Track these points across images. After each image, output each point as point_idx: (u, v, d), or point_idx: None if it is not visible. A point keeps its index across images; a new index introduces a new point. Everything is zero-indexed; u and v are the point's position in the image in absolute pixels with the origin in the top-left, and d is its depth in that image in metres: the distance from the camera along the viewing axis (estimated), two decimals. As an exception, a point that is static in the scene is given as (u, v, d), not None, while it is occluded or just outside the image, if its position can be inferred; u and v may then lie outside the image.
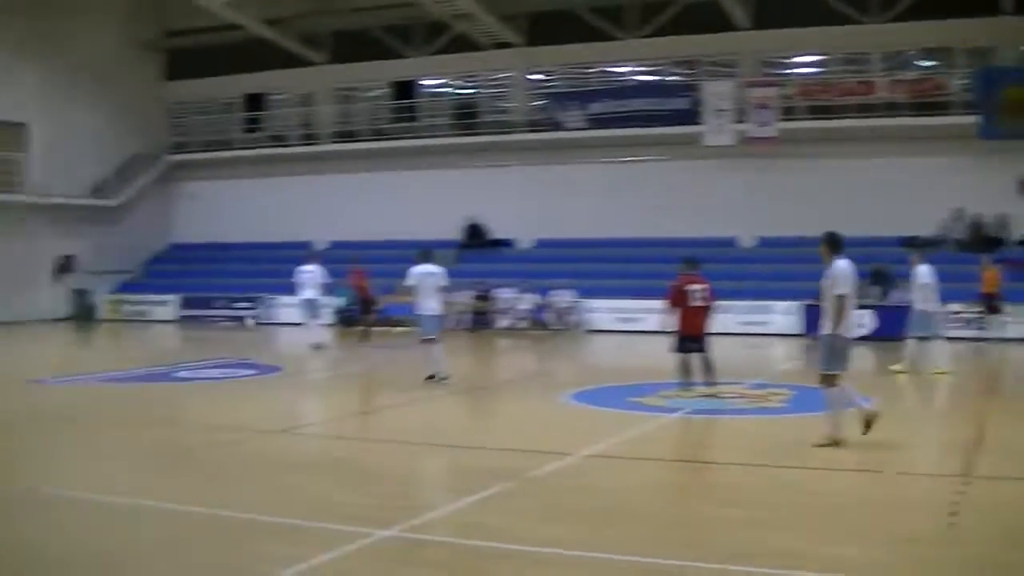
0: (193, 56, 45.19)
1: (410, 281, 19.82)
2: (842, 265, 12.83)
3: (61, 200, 40.73)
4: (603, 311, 34.03)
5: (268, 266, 41.14)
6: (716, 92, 35.12)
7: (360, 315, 30.75)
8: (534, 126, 38.98)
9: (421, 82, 42.19)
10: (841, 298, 12.71)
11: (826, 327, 12.78)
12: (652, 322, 32.47)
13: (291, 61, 42.99)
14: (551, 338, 32.22)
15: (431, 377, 19.94)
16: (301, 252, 41.58)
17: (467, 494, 10.42)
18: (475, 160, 39.75)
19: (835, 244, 13.08)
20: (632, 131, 36.34)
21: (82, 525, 9.75)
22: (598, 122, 36.98)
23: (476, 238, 39.23)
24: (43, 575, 8.27)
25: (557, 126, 37.76)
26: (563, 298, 33.56)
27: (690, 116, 35.58)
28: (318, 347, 27.84)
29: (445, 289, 20.37)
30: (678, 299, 17.47)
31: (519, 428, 14.51)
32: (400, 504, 10.22)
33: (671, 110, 35.98)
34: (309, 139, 43.47)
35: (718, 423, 15.43)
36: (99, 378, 21.09)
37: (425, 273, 19.80)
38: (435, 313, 20.00)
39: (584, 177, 37.87)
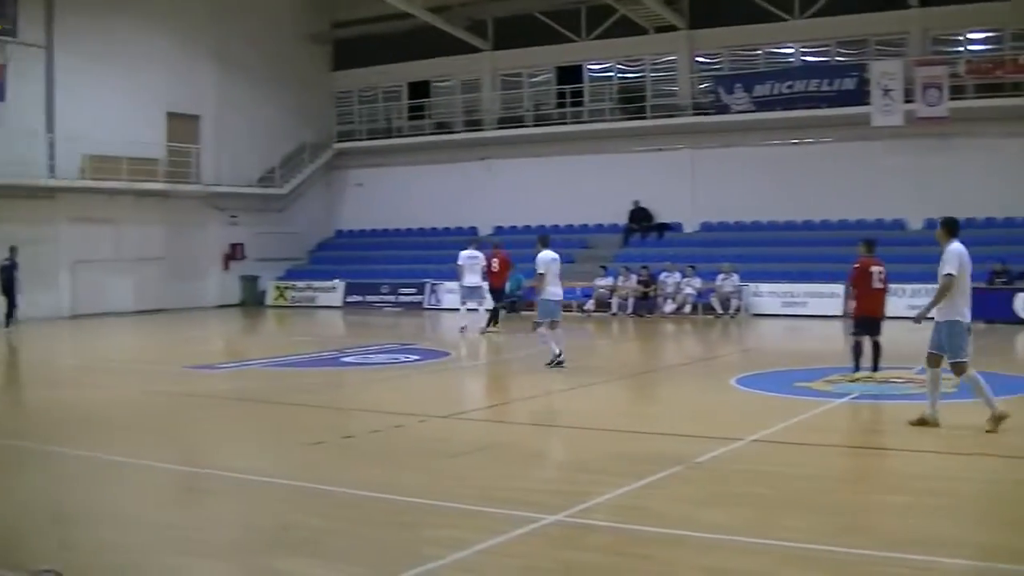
0: (358, 46, 45.98)
1: (540, 268, 20.30)
2: (955, 248, 12.76)
3: (231, 190, 41.85)
4: (768, 295, 33.68)
5: (433, 252, 41.64)
6: (884, 72, 34.34)
7: (497, 300, 30.63)
8: (699, 109, 38.64)
9: (587, 66, 42.05)
10: (948, 277, 12.61)
11: (943, 312, 12.77)
12: (817, 306, 32.24)
13: (455, 48, 43.35)
14: (716, 322, 31.99)
15: (558, 362, 20.22)
16: (466, 238, 42.13)
17: (633, 479, 10.42)
18: (640, 144, 39.60)
19: (952, 228, 13.06)
20: (798, 113, 35.79)
21: (254, 506, 10.03)
22: (763, 104, 36.48)
23: (642, 222, 39.08)
24: (245, 553, 8.54)
25: (722, 109, 37.37)
26: (728, 282, 33.27)
27: (857, 97, 34.84)
28: (464, 330, 28.59)
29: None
30: (860, 281, 17.39)
31: (684, 413, 14.47)
32: (566, 489, 10.28)
33: (838, 91, 35.30)
34: (473, 125, 43.73)
35: (886, 408, 15.18)
36: (266, 363, 21.56)
37: (552, 259, 20.34)
38: (559, 298, 20.59)
39: (750, 160, 37.45)
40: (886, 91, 33.98)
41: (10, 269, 31.66)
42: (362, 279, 41.48)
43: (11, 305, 31.61)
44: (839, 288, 32.08)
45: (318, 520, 9.31)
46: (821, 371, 18.52)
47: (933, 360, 12.91)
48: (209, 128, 41.93)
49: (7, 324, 31.41)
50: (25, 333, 30.63)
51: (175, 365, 22.14)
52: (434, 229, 44.05)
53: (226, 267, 42.56)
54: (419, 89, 45.72)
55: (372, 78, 46.42)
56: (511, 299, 35.29)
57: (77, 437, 13.74)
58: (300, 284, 42.79)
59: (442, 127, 44.58)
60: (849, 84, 35.20)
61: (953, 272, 12.59)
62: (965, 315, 12.73)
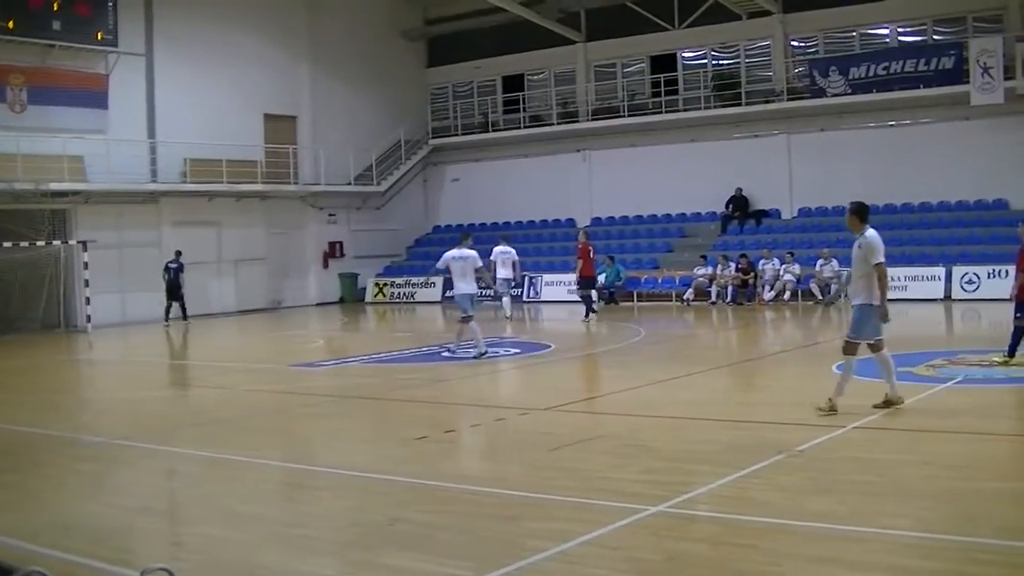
0: (452, 42, 46.22)
1: (440, 264, 22.25)
2: (876, 234, 13.10)
3: (329, 188, 42.29)
4: (870, 280, 33.21)
5: (531, 245, 41.72)
6: (983, 49, 33.67)
7: (581, 289, 30.89)
8: (794, 94, 38.26)
9: (681, 54, 41.82)
10: (882, 266, 12.97)
11: (861, 296, 13.15)
12: (918, 289, 31.81)
13: (548, 40, 43.37)
14: (816, 309, 31.70)
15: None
16: (565, 230, 42.21)
17: (735, 469, 10.39)
18: (736, 131, 39.33)
19: (864, 214, 13.32)
20: (895, 94, 35.24)
21: (360, 502, 10.16)
22: (860, 86, 36.00)
23: (739, 209, 38.82)
24: (351, 549, 8.66)
25: (818, 93, 36.96)
26: (827, 267, 32.91)
27: (956, 76, 34.21)
28: (508, 318, 31.33)
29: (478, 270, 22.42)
30: None
31: (786, 401, 14.38)
32: (668, 480, 10.26)
33: (935, 70, 34.67)
34: (568, 117, 43.70)
35: (991, 393, 14.96)
36: (368, 360, 21.74)
37: (454, 257, 21.65)
38: (463, 292, 21.54)
39: (847, 143, 36.97)
40: (985, 69, 33.29)
41: (176, 271, 34.73)
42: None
43: (176, 303, 34.80)
44: (940, 271, 31.70)
45: (423, 515, 9.41)
46: (924, 355, 18.29)
47: (877, 346, 13.39)
48: (306, 128, 42.40)
49: (167, 320, 34.38)
50: (156, 332, 31.81)
51: (279, 363, 22.45)
52: (531, 222, 44.13)
53: (326, 265, 43.01)
54: (513, 83, 45.79)
55: (466, 73, 46.63)
56: (610, 290, 35.39)
57: (185, 436, 14.01)
58: (399, 280, 43.08)
59: (537, 120, 44.57)
60: (947, 63, 34.52)
61: (883, 260, 13.03)
62: (880, 299, 13.08)
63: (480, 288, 24.39)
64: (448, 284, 39.92)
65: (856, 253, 13.17)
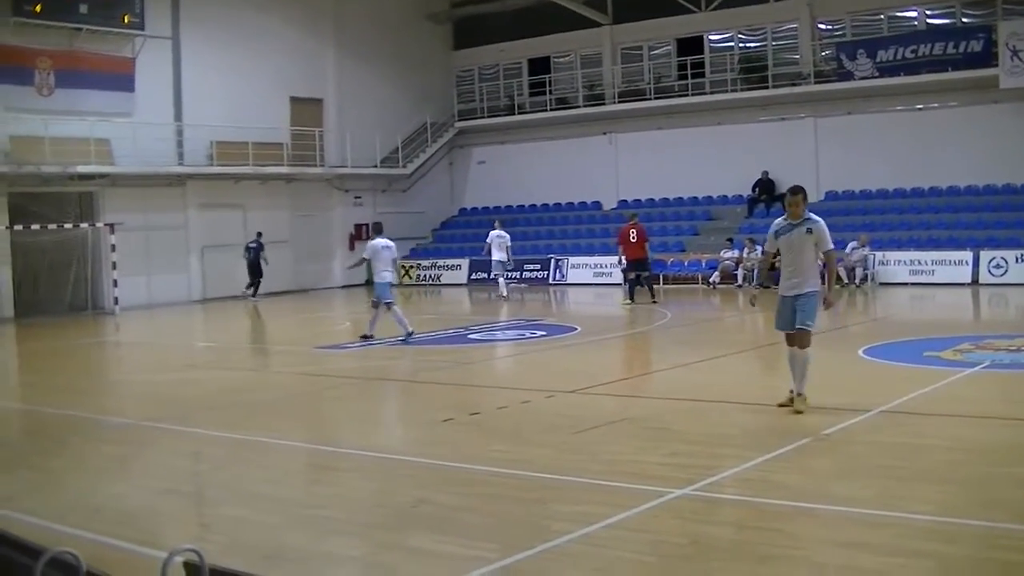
0: (478, 24, 46.16)
1: (367, 254, 22.57)
2: (821, 219, 12.66)
3: (355, 171, 42.36)
4: (896, 264, 33.08)
5: (557, 227, 41.72)
6: (1013, 32, 33.41)
7: (630, 271, 30.60)
8: (822, 77, 38.07)
9: (708, 37, 41.66)
10: (834, 251, 12.87)
11: (812, 284, 12.66)
12: (945, 274, 31.68)
13: (575, 23, 43.28)
14: (844, 292, 31.59)
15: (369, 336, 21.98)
16: (590, 212, 42.21)
17: (761, 452, 10.39)
18: (763, 114, 39.17)
19: (806, 197, 12.77)
20: (923, 77, 35.00)
21: (386, 483, 10.19)
22: (887, 70, 35.77)
23: (766, 192, 38.67)
24: (377, 530, 8.70)
25: (845, 76, 36.78)
26: (857, 252, 32.77)
27: (984, 59, 33.94)
28: (505, 298, 32.81)
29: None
30: None
31: (812, 384, 14.36)
32: (693, 463, 10.26)
33: (964, 53, 34.41)
34: (594, 100, 43.62)
35: (1018, 378, 14.88)
36: (393, 342, 21.75)
37: (382, 247, 22.02)
38: (386, 281, 21.98)
39: (874, 127, 36.77)
40: (1014, 52, 33.04)
41: (256, 250, 36.91)
42: (486, 256, 41.62)
43: (257, 280, 36.99)
44: (968, 256, 31.54)
45: (448, 497, 9.44)
46: (951, 340, 18.24)
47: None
48: (332, 111, 42.44)
49: (254, 295, 36.97)
50: (183, 314, 32.43)
51: (305, 345, 22.53)
52: (558, 205, 44.12)
53: (351, 248, 43.06)
54: (539, 65, 45.70)
55: (492, 56, 46.56)
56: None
57: (212, 418, 14.07)
58: (425, 262, 43.11)
59: (563, 103, 44.50)
60: (976, 46, 34.26)
61: (832, 245, 12.69)
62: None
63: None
64: (474, 266, 40.17)
65: (803, 238, 12.45)
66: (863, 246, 32.51)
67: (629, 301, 29.41)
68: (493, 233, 33.82)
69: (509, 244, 33.88)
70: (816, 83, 37.83)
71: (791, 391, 12.67)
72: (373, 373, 18.11)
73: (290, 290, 39.35)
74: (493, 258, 33.64)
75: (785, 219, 12.69)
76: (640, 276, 30.10)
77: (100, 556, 7.39)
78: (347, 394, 16.24)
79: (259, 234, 37.08)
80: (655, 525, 8.38)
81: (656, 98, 41.44)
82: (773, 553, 7.51)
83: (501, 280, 33.56)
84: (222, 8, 38.00)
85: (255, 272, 36.96)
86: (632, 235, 29.63)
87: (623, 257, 29.99)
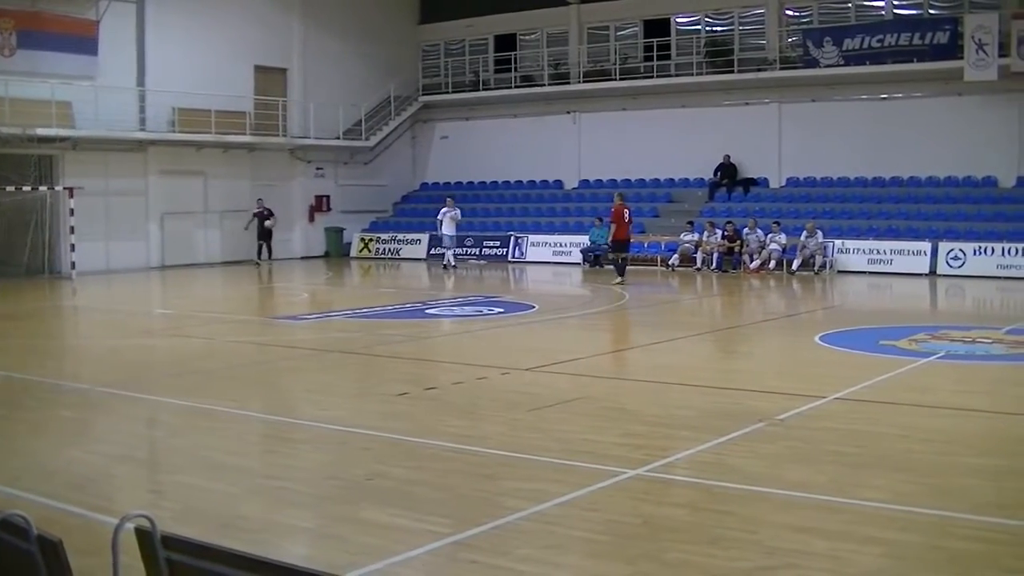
0: (445, -1, 46.00)
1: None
2: None
3: (317, 142, 42.19)
4: (855, 252, 33.23)
5: (518, 205, 41.72)
6: (979, 25, 33.57)
7: (611, 252, 30.98)
8: (787, 63, 38.13)
9: (675, 19, 41.61)
10: None
11: None
12: (903, 263, 31.88)
13: (542, 1, 43.17)
14: (801, 279, 31.74)
15: None
16: (552, 191, 42.25)
17: (715, 435, 10.45)
18: (727, 98, 39.23)
19: None
20: (889, 67, 35.11)
21: (340, 456, 10.19)
22: (853, 58, 35.89)
23: (728, 177, 38.75)
24: (330, 502, 8.70)
25: (811, 63, 36.87)
26: (814, 239, 32.91)
27: (950, 51, 34.09)
28: (449, 268, 35.34)
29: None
30: None
31: (768, 370, 14.47)
32: (648, 444, 10.32)
33: (930, 45, 34.56)
34: (560, 79, 43.56)
35: (972, 369, 15.02)
36: (351, 315, 21.73)
37: None
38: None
39: (838, 115, 36.89)
40: (980, 45, 33.21)
41: (262, 216, 38.55)
42: (440, 232, 41.60)
43: (267, 245, 38.75)
44: (926, 246, 31.74)
45: (402, 471, 9.45)
46: (907, 330, 18.37)
47: None
48: (296, 81, 42.17)
49: (263, 259, 38.52)
50: (140, 281, 32.42)
51: (262, 316, 22.47)
52: (519, 182, 44.10)
53: (312, 219, 42.94)
54: (505, 42, 45.54)
55: (458, 31, 46.36)
56: (595, 253, 35.51)
57: (168, 385, 14.02)
58: (385, 236, 43.00)
59: (528, 80, 44.43)
60: (942, 38, 34.40)
61: None
62: None
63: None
64: (433, 241, 40.12)
65: None
66: (812, 234, 32.61)
67: (620, 278, 29.56)
68: (444, 209, 36.20)
69: (459, 220, 36.47)
70: (781, 69, 37.88)
71: None
72: (331, 345, 18.07)
73: (249, 260, 39.14)
74: (444, 233, 36.14)
75: None
76: (620, 256, 30.39)
77: (52, 520, 7.35)
78: (304, 365, 16.21)
79: (260, 200, 38.63)
80: (608, 504, 8.41)
81: (621, 79, 41.42)
82: (726, 535, 7.55)
83: (448, 253, 35.96)
84: (188, -26, 37.68)
85: (265, 236, 38.55)
86: (626, 214, 29.97)
87: (613, 237, 30.34)
